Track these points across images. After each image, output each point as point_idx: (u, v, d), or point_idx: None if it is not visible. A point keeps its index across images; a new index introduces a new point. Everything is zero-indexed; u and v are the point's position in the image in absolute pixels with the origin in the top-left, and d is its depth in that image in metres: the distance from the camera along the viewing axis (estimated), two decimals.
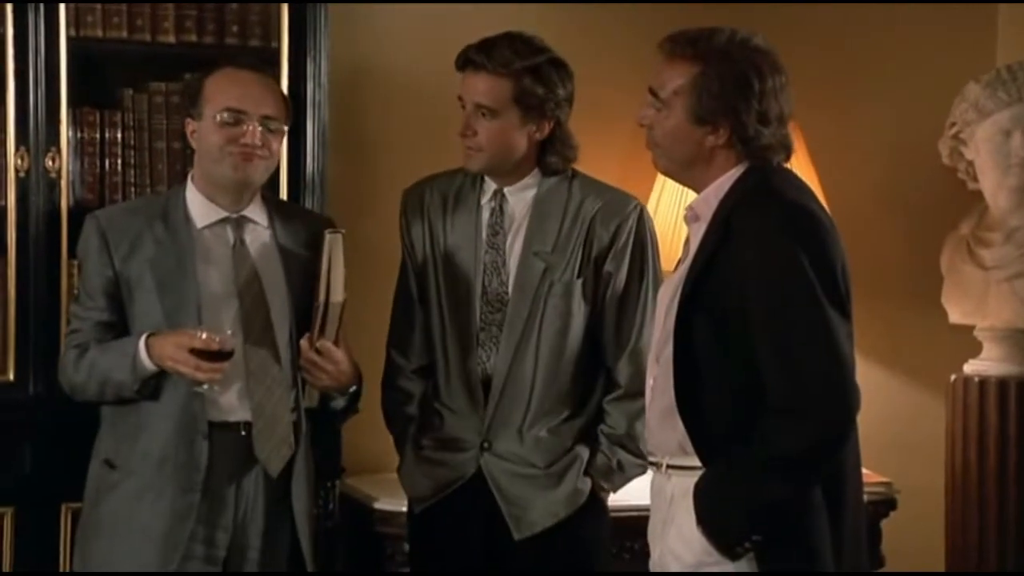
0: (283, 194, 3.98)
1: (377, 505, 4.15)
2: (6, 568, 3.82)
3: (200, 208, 3.45)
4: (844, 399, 2.81)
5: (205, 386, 3.31)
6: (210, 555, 3.40)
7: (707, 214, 2.96)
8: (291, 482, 3.45)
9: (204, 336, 3.26)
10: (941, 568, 4.79)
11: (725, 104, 2.91)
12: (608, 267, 3.59)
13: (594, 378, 3.65)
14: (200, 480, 3.36)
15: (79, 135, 3.94)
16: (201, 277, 3.40)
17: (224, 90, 3.42)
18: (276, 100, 3.48)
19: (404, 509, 3.84)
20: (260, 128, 3.39)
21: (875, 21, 4.99)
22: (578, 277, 3.58)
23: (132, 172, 3.99)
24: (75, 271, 3.85)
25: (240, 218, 3.47)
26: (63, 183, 3.86)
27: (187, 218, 3.45)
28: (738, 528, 2.85)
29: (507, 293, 3.58)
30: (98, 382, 3.39)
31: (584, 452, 3.61)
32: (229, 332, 3.32)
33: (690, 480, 2.90)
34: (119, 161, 3.99)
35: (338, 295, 3.41)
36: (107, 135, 3.98)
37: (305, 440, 3.48)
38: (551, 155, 3.60)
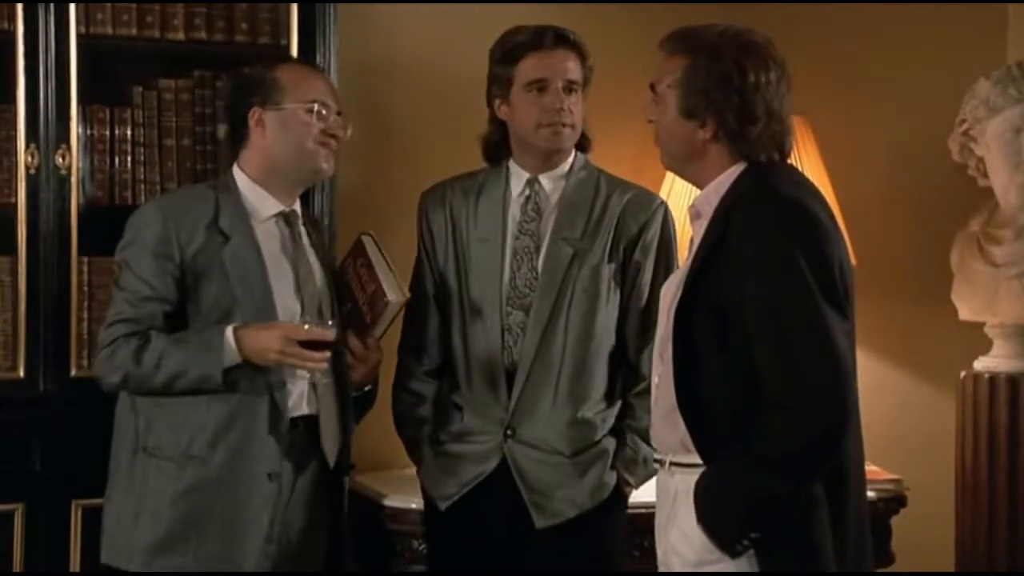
0: None
1: (386, 502, 4.13)
2: (16, 566, 3.82)
3: (260, 201, 3.45)
4: (840, 397, 2.81)
5: (307, 375, 3.34)
6: (267, 550, 3.39)
7: (708, 211, 2.96)
8: (340, 474, 3.49)
9: (308, 327, 3.28)
10: (951, 565, 4.79)
11: (708, 98, 2.92)
12: (637, 256, 3.63)
13: (623, 374, 3.68)
14: (274, 474, 3.35)
15: (89, 132, 3.94)
16: (270, 269, 3.40)
17: (309, 83, 3.47)
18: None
19: (414, 506, 3.84)
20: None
21: (885, 18, 4.98)
22: (609, 262, 3.61)
23: (142, 169, 3.99)
24: (86, 267, 3.86)
25: (291, 212, 3.48)
26: (73, 180, 3.85)
27: (247, 210, 3.43)
28: (737, 525, 2.85)
29: (536, 278, 3.59)
30: (169, 374, 3.30)
31: (611, 444, 3.64)
32: (330, 323, 3.34)
33: (692, 478, 2.90)
34: (129, 158, 3.98)
35: (400, 294, 3.48)
36: (117, 132, 3.97)
37: (350, 432, 3.52)
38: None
